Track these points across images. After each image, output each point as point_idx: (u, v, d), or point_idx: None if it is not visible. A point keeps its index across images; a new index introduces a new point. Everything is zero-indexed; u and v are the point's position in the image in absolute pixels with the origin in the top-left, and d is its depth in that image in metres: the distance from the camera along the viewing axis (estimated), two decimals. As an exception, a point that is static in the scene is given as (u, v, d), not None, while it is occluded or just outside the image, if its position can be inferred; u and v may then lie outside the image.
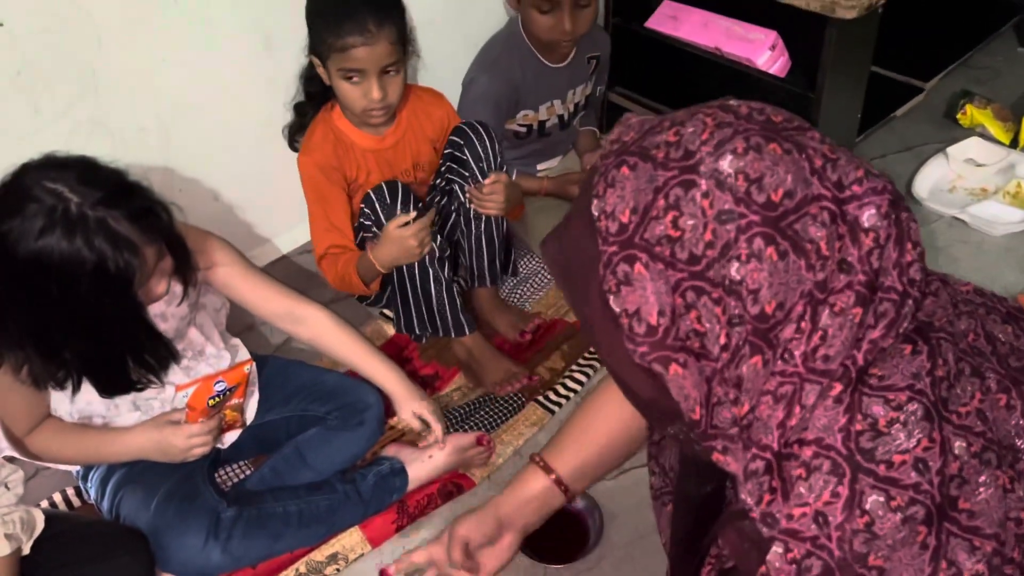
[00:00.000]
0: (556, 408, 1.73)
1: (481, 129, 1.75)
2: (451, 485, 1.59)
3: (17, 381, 1.28)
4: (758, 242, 0.69)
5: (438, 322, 1.77)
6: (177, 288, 1.34)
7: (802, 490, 0.74)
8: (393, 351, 1.86)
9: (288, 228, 2.04)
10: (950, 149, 2.17)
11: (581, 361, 1.81)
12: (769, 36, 2.08)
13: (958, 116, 2.32)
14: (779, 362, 0.72)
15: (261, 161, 1.90)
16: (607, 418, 1.16)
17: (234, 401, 1.42)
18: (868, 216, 0.73)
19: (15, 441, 1.40)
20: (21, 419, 1.37)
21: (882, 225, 0.73)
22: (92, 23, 1.54)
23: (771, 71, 2.10)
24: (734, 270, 0.70)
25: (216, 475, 1.60)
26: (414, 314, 1.79)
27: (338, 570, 1.47)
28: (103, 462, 1.45)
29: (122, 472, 1.44)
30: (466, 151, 1.74)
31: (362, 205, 1.71)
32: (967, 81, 2.48)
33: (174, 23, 1.65)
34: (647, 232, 0.71)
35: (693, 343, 0.71)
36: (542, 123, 2.04)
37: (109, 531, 1.40)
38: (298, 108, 1.79)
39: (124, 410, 1.41)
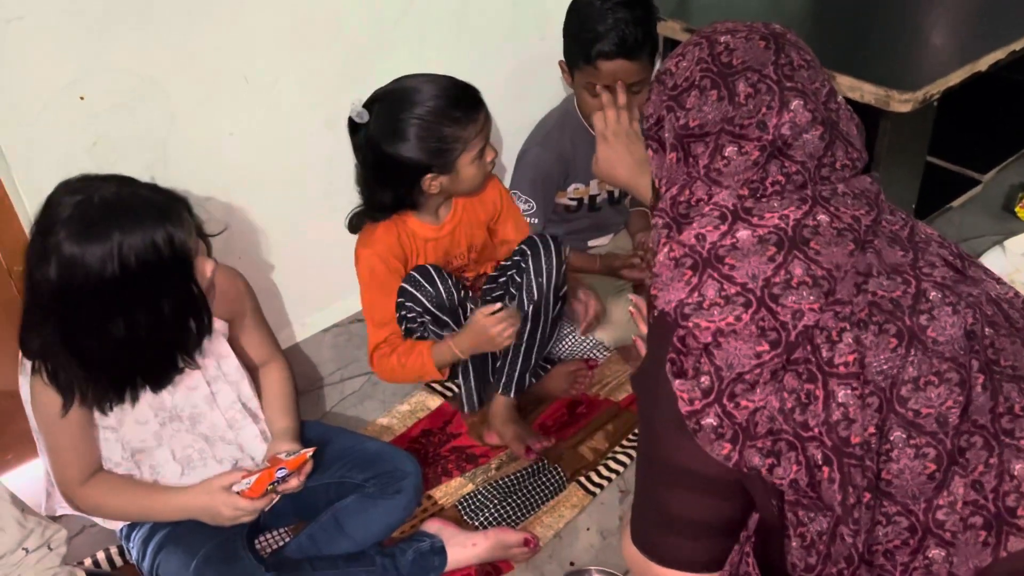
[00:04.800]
0: (597, 490, 1.71)
1: (551, 243, 1.75)
2: (489, 566, 1.58)
3: (68, 426, 1.33)
4: (706, 82, 0.98)
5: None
6: (217, 324, 1.42)
7: (695, 221, 0.97)
8: (438, 424, 1.88)
9: (340, 297, 2.09)
10: (1007, 242, 2.14)
11: (624, 443, 1.80)
12: (823, 125, 2.10)
13: (1016, 209, 2.30)
14: (685, 164, 0.99)
15: (317, 234, 1.95)
16: None
17: (291, 482, 1.44)
18: (797, 106, 0.95)
19: (67, 493, 1.43)
20: (73, 468, 1.40)
21: (806, 121, 0.95)
22: (167, 100, 1.62)
23: (824, 159, 2.10)
24: (689, 97, 1.00)
25: (256, 541, 1.61)
26: (474, 391, 1.82)
27: (371, 645, 1.46)
28: (152, 519, 1.47)
29: (164, 533, 1.46)
30: (529, 262, 1.74)
31: (400, 299, 1.72)
32: (1026, 174, 2.46)
33: (243, 101, 1.73)
34: None
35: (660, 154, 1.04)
36: (592, 197, 2.06)
37: (148, 592, 1.41)
38: (371, 217, 1.75)
39: (161, 459, 1.44)
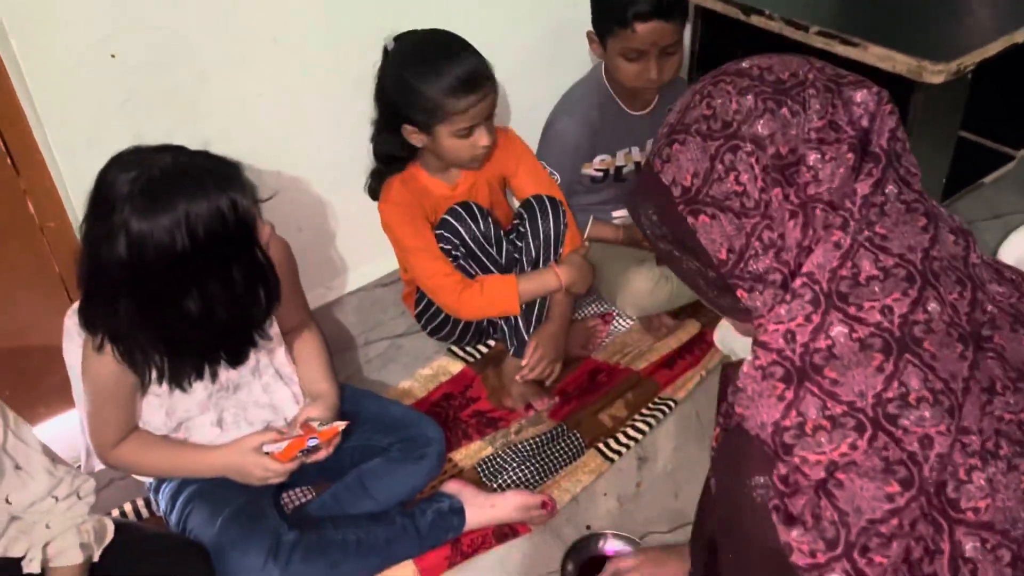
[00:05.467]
0: (616, 456, 1.73)
1: (547, 206, 1.79)
2: (507, 527, 1.60)
3: (116, 397, 1.36)
4: (770, 103, 0.87)
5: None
6: None
7: (782, 311, 0.85)
8: (459, 388, 1.89)
9: (367, 261, 2.10)
10: (1040, 219, 2.11)
11: (644, 411, 1.81)
12: (854, 97, 2.07)
13: (1049, 186, 2.26)
14: (795, 198, 0.86)
15: (344, 196, 1.96)
16: None
17: (319, 452, 1.46)
18: (860, 95, 0.88)
19: (101, 453, 1.46)
20: (112, 430, 1.43)
21: (873, 101, 0.88)
22: (197, 59, 1.63)
23: (855, 131, 2.08)
24: (759, 126, 0.86)
25: (281, 497, 1.64)
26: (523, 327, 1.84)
27: (389, 601, 1.49)
28: (184, 476, 1.50)
29: (192, 488, 1.49)
30: (527, 225, 1.79)
31: (439, 231, 1.76)
32: (1060, 150, 2.42)
33: (272, 61, 1.74)
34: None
35: (733, 203, 0.86)
36: (619, 168, 2.06)
37: (174, 544, 1.44)
38: (379, 175, 1.83)
39: (200, 423, 1.46)
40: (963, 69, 1.74)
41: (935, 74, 1.72)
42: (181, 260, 1.20)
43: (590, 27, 1.90)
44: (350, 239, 2.04)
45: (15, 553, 1.30)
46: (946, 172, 2.09)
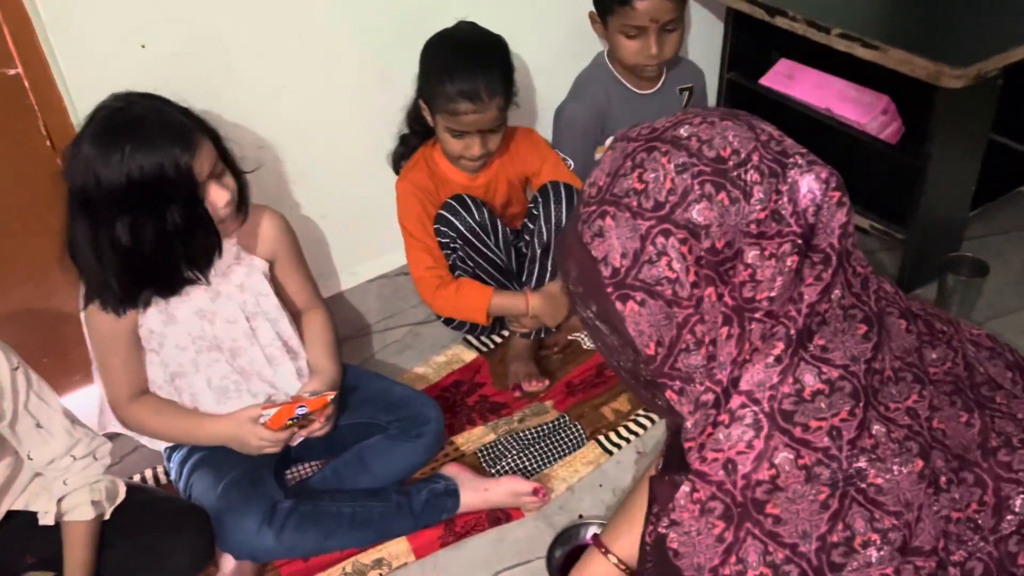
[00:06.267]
0: (615, 450, 1.75)
1: (562, 191, 1.83)
2: (500, 512, 1.64)
3: (117, 346, 1.48)
4: (708, 187, 0.78)
5: None
6: (256, 261, 1.56)
7: (720, 436, 0.77)
8: (468, 375, 1.94)
9: (389, 250, 2.17)
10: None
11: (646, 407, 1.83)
12: (881, 100, 2.05)
13: (1091, 196, 2.18)
14: (729, 299, 0.78)
15: (367, 185, 2.03)
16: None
17: (311, 420, 1.54)
18: (807, 181, 0.80)
19: (116, 409, 1.57)
20: (122, 385, 1.54)
21: (820, 189, 0.79)
22: (224, 50, 1.72)
23: (882, 136, 2.06)
24: (695, 212, 0.77)
25: (287, 471, 1.72)
26: None
27: (381, 575, 1.55)
28: (188, 442, 1.60)
29: (199, 456, 1.58)
30: (540, 209, 1.84)
31: (436, 225, 1.82)
32: (1109, 160, 2.33)
33: (297, 54, 1.82)
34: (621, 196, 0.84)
35: (665, 289, 0.77)
36: None
37: (178, 507, 1.53)
38: (403, 139, 1.93)
39: (199, 386, 1.55)
40: (984, 74, 1.71)
41: (954, 79, 1.69)
42: (116, 191, 1.32)
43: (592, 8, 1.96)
44: (374, 227, 2.11)
45: (36, 507, 1.41)
46: (975, 179, 2.04)
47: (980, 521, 0.77)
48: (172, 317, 1.50)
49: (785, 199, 0.79)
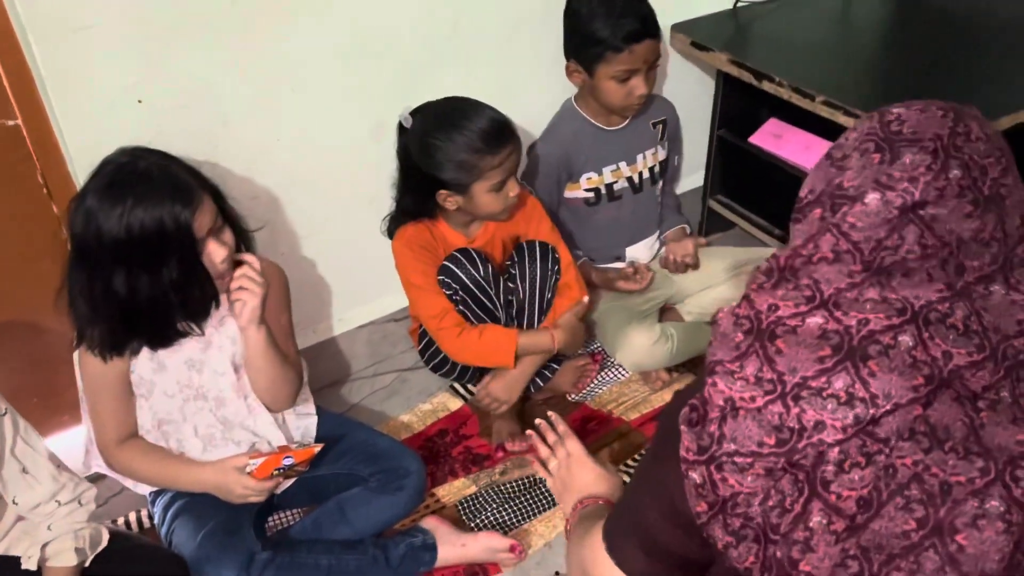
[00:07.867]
0: (593, 505, 1.77)
1: (536, 250, 1.87)
2: (477, 567, 1.66)
3: (109, 391, 1.50)
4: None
5: None
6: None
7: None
8: (454, 424, 1.97)
9: (377, 296, 2.20)
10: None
11: (629, 462, 1.85)
12: (867, 164, 2.08)
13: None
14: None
15: (359, 235, 2.06)
16: None
17: (297, 469, 1.56)
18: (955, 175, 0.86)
19: (104, 452, 1.58)
20: (111, 429, 1.55)
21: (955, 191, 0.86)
22: (220, 104, 1.76)
23: (867, 198, 2.09)
24: None
25: (269, 518, 1.74)
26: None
27: (356, 628, 1.56)
28: (173, 487, 1.61)
29: (181, 503, 1.60)
30: (516, 268, 1.87)
31: (440, 276, 1.81)
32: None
33: (292, 108, 1.86)
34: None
35: None
36: (609, 186, 2.11)
37: (156, 555, 1.55)
38: (401, 221, 1.89)
39: (186, 433, 1.58)
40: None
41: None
42: (116, 244, 1.34)
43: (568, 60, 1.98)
44: (365, 274, 2.14)
45: (17, 552, 1.43)
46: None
47: None
48: (162, 365, 1.53)
49: (931, 176, 0.87)
